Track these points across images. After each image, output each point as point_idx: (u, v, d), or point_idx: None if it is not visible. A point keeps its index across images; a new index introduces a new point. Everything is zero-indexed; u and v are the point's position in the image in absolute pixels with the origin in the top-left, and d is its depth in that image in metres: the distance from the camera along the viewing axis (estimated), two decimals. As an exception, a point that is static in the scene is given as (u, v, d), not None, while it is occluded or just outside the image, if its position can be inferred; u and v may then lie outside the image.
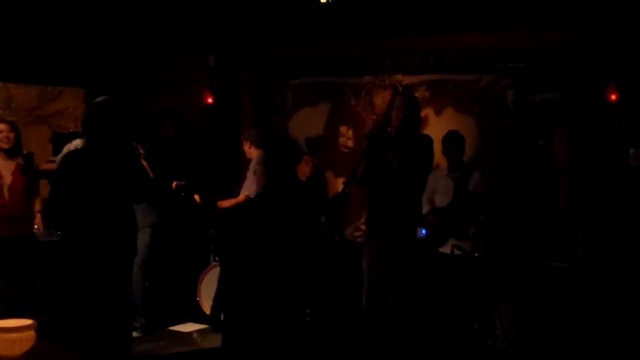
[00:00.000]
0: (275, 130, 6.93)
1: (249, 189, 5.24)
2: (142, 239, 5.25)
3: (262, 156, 5.53)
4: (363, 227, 6.58)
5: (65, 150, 4.00)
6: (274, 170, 5.56)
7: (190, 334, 5.54)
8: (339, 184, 5.97)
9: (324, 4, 5.46)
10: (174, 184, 5.44)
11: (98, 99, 4.05)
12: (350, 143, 6.76)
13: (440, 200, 5.16)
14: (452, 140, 5.19)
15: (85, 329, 3.86)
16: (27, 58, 6.28)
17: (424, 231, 5.10)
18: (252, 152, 5.45)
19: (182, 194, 5.40)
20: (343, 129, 6.81)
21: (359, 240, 6.62)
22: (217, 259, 5.77)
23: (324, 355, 5.01)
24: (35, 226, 5.06)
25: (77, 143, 3.99)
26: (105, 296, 3.91)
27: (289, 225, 3.96)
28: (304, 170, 6.15)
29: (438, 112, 6.32)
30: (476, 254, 4.97)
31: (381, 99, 6.55)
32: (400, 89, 6.42)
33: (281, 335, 3.55)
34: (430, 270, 5.04)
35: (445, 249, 5.04)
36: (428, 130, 6.14)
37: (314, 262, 5.47)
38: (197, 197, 5.50)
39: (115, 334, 3.96)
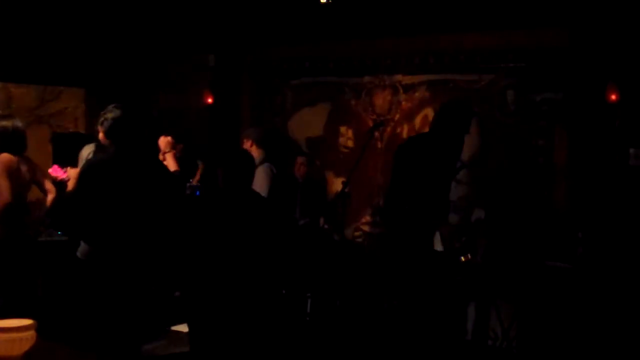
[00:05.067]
0: (276, 130, 6.93)
1: (258, 187, 5.25)
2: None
3: (264, 156, 5.56)
4: (364, 227, 6.62)
5: (85, 156, 3.92)
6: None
7: (190, 334, 5.53)
8: (339, 184, 5.96)
9: (324, 4, 5.47)
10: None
11: (124, 108, 3.95)
12: (350, 143, 6.76)
13: None
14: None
15: (99, 332, 3.85)
16: (27, 58, 6.28)
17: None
18: (254, 151, 5.47)
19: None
20: (343, 129, 6.81)
21: (358, 240, 6.63)
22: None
23: (324, 356, 5.01)
24: None
25: (90, 149, 3.95)
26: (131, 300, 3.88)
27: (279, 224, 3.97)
28: (297, 171, 6.17)
29: (438, 112, 6.32)
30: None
31: (381, 99, 6.56)
32: (400, 89, 6.43)
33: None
34: (429, 269, 5.03)
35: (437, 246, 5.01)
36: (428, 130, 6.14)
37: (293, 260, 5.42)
38: None
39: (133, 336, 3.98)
